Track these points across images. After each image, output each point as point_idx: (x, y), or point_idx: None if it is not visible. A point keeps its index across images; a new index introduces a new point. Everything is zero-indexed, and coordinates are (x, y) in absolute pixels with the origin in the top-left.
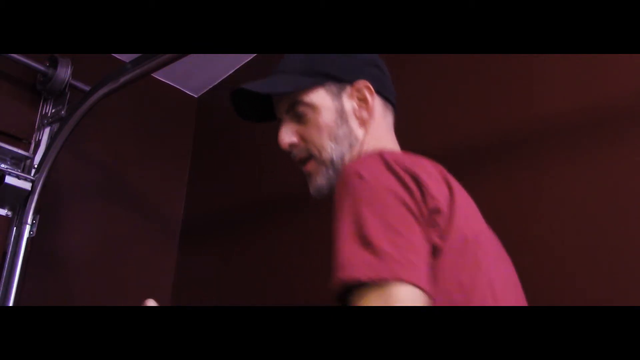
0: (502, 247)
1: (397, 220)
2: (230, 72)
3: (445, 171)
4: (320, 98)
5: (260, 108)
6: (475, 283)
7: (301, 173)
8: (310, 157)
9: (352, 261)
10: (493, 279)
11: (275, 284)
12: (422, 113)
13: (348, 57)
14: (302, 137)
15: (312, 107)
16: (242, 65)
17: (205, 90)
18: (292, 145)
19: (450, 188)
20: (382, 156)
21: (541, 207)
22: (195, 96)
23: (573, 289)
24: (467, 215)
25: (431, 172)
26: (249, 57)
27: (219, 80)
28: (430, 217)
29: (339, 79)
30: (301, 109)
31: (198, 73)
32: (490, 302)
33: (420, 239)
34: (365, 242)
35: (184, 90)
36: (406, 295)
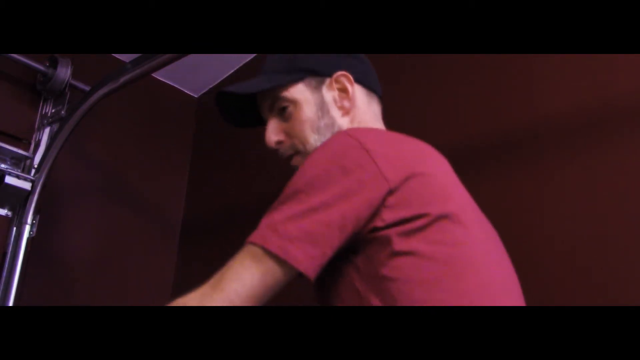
0: (492, 230)
1: (321, 200)
2: (230, 72)
3: (430, 152)
4: (300, 93)
5: (248, 113)
6: (453, 256)
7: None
8: (296, 152)
9: (260, 230)
10: (476, 255)
11: None
12: (423, 113)
13: (327, 54)
14: (287, 134)
15: (293, 102)
16: (242, 65)
17: (205, 90)
18: (278, 142)
19: (422, 169)
20: (348, 135)
21: (542, 206)
22: (195, 96)
23: (574, 289)
24: (448, 194)
25: (394, 154)
26: (249, 57)
27: (219, 80)
28: (382, 196)
29: (318, 73)
30: (282, 105)
31: (198, 73)
32: (472, 278)
33: (336, 218)
34: (280, 219)
35: (184, 90)
36: (257, 256)
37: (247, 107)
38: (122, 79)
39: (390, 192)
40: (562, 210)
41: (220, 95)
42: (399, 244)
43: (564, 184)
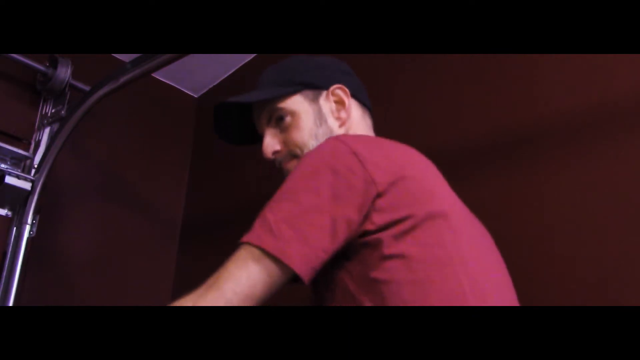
0: (483, 229)
1: (315, 201)
2: (230, 72)
3: (418, 157)
4: (298, 104)
5: (243, 130)
6: (443, 257)
7: None
8: (292, 157)
9: (255, 231)
10: (466, 255)
11: None
12: (423, 113)
13: (322, 67)
14: (285, 143)
15: (291, 113)
16: (242, 65)
17: (205, 90)
18: (275, 152)
19: (406, 173)
20: (338, 140)
21: (542, 206)
22: (195, 96)
23: (574, 289)
24: (435, 195)
25: (383, 158)
26: (249, 57)
27: (219, 80)
28: (371, 200)
29: (314, 86)
30: (280, 116)
31: (198, 73)
32: (463, 278)
33: (327, 223)
34: (274, 218)
35: (184, 90)
36: (251, 255)
37: (242, 124)
38: (122, 79)
39: (379, 195)
40: (562, 211)
41: (218, 108)
42: (390, 247)
43: (564, 184)
